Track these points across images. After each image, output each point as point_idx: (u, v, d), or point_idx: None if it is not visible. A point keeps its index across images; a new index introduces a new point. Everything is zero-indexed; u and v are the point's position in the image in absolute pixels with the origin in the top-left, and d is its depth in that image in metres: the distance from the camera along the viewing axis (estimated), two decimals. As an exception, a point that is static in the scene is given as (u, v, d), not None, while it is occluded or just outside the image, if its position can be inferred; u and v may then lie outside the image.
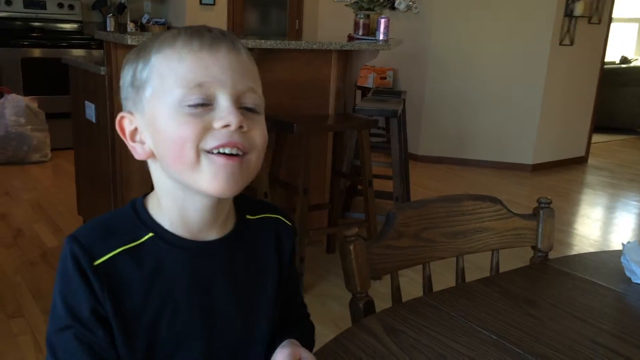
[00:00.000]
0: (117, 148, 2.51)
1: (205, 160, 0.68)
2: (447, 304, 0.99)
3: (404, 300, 1.04)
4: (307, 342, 0.85)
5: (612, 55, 7.31)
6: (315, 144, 2.91)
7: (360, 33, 3.23)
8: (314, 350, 0.84)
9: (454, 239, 1.14)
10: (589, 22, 5.02)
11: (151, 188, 0.78)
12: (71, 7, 5.10)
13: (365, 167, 2.71)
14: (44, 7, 4.99)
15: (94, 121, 2.69)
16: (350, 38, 3.23)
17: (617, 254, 1.17)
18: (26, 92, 4.53)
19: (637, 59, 7.71)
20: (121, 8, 5.12)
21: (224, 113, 0.68)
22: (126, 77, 0.74)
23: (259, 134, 0.71)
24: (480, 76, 4.94)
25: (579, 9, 4.76)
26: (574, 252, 3.18)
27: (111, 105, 2.48)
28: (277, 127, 2.52)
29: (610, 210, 4.25)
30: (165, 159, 0.71)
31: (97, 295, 0.70)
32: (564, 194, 4.44)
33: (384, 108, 3.17)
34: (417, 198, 2.93)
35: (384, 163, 3.54)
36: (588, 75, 5.27)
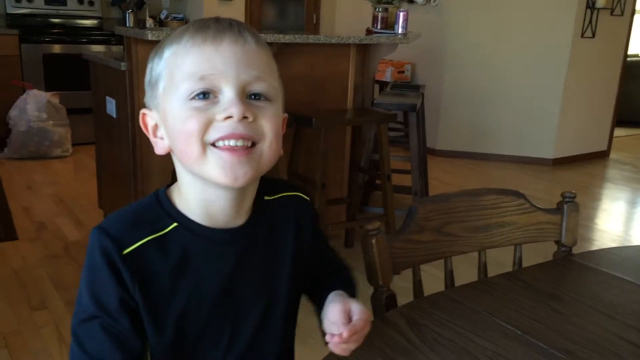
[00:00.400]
0: (137, 142, 2.53)
1: (210, 153, 0.69)
2: (470, 298, 0.99)
3: (424, 294, 1.04)
4: (350, 287, 0.88)
5: (635, 47, 7.17)
6: (333, 138, 2.91)
7: (379, 27, 3.22)
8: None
9: (475, 234, 1.14)
10: (611, 13, 4.93)
11: (171, 180, 0.79)
12: (91, 3, 5.15)
13: (384, 161, 2.70)
14: (64, 3, 5.04)
15: (114, 116, 2.72)
16: (369, 32, 3.21)
17: (643, 249, 1.15)
18: (47, 88, 4.59)
19: (660, 51, 7.56)
20: (140, 4, 5.15)
21: (227, 104, 0.68)
22: (146, 74, 0.76)
23: (268, 122, 0.71)
24: (499, 69, 4.88)
25: (601, 1, 4.68)
26: (595, 247, 3.14)
27: (131, 100, 2.50)
28: (296, 121, 2.52)
29: (632, 205, 4.19)
30: (177, 154, 0.72)
31: (126, 285, 0.71)
32: (585, 189, 4.38)
33: (403, 102, 3.15)
34: (435, 192, 2.91)
35: (402, 157, 3.53)
36: (610, 68, 5.18)
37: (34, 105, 4.32)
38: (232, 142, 0.68)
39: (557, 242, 1.22)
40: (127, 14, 5.03)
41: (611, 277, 1.09)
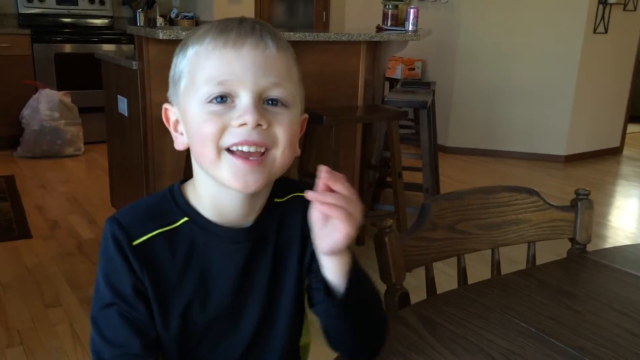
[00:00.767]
0: (149, 141, 2.54)
1: (224, 158, 0.70)
2: (484, 296, 0.98)
3: (437, 292, 1.04)
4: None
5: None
6: (344, 136, 2.91)
7: (389, 24, 3.21)
8: None
9: (489, 231, 1.13)
10: (624, 9, 4.88)
11: (184, 178, 0.80)
12: (102, 2, 5.18)
13: (395, 158, 2.70)
14: (75, 3, 5.08)
15: (126, 115, 2.74)
16: (379, 29, 3.21)
17: (658, 246, 1.14)
18: (59, 87, 4.62)
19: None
20: (150, 3, 5.18)
21: (242, 111, 0.69)
22: (171, 68, 0.77)
23: (282, 129, 0.71)
24: (511, 66, 4.85)
25: (613, -4, 4.64)
26: (608, 245, 3.11)
27: (143, 99, 2.51)
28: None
29: (646, 202, 4.15)
30: (194, 153, 0.74)
31: (137, 273, 0.73)
32: (598, 186, 4.34)
33: (413, 99, 3.14)
34: (446, 190, 2.90)
35: (413, 155, 3.52)
36: (623, 63, 5.13)
37: (46, 105, 4.36)
38: (245, 148, 0.69)
39: (571, 240, 1.21)
40: (137, 13, 5.05)
41: (627, 274, 1.08)
